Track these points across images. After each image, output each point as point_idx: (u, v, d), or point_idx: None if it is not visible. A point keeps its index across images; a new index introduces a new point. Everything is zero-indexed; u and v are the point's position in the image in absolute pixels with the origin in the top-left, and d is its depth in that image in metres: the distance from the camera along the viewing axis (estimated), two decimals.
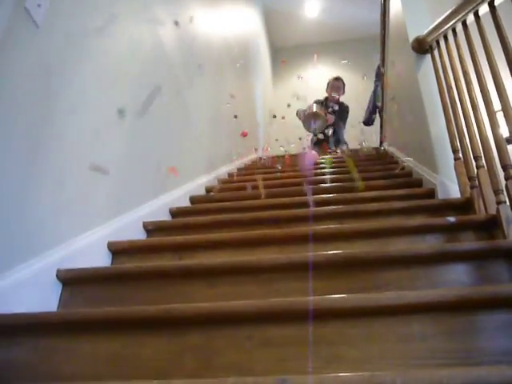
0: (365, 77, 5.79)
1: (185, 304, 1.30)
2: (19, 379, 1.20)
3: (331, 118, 5.65)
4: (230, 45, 4.93)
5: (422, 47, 2.80)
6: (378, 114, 5.43)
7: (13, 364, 1.23)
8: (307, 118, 5.29)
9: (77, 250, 1.66)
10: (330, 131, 5.41)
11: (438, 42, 2.57)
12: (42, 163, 1.51)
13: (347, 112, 6.13)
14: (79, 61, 1.72)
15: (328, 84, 6.26)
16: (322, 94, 6.19)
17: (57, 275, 1.55)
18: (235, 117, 4.48)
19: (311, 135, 5.87)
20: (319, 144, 5.77)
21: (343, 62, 6.45)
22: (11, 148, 1.36)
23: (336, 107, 5.97)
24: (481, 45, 1.92)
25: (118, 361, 1.21)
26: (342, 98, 6.23)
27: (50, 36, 1.53)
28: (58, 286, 1.57)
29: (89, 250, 1.75)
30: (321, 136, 5.65)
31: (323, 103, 5.94)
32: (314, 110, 5.26)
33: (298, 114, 5.76)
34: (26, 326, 1.30)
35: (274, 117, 6.41)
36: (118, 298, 1.57)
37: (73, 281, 1.59)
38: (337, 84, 6.21)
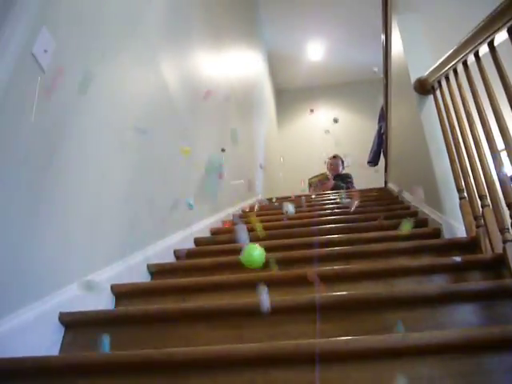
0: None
1: (187, 348, 1.28)
2: None
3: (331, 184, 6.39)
4: (234, 88, 4.99)
5: (424, 88, 2.84)
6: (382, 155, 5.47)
7: None
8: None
9: (80, 293, 1.65)
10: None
11: (439, 83, 2.60)
12: (46, 210, 1.51)
13: (347, 177, 6.68)
14: (82, 108, 1.75)
15: (327, 164, 6.83)
16: (324, 134, 6.45)
17: (59, 318, 1.53)
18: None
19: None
20: None
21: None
22: (14, 199, 1.36)
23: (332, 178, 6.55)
24: (482, 84, 1.94)
25: None
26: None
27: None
28: (61, 329, 1.55)
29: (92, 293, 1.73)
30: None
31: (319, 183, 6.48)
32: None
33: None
34: (27, 370, 1.28)
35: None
36: (120, 341, 1.55)
37: (75, 324, 1.57)
38: (334, 162, 6.84)
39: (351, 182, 6.61)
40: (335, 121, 6.74)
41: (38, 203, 1.47)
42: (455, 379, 1.10)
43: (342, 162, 6.88)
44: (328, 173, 6.63)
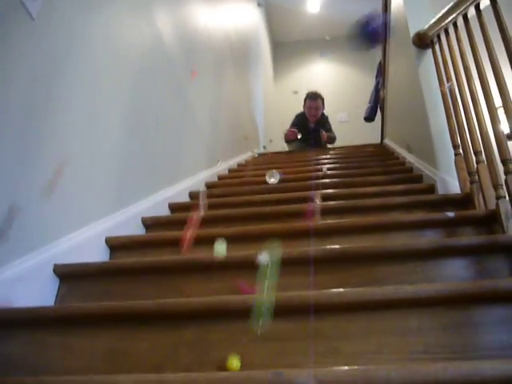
0: None
1: (181, 298, 1.30)
2: (15, 372, 1.20)
3: (296, 134, 5.69)
4: (231, 40, 4.91)
5: (423, 42, 2.79)
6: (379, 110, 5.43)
7: (9, 357, 1.23)
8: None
9: (74, 245, 1.66)
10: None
11: (438, 37, 2.56)
12: (38, 159, 1.50)
13: (327, 122, 5.96)
14: (77, 56, 1.72)
15: (304, 101, 5.90)
16: (321, 87, 6.11)
17: (54, 270, 1.54)
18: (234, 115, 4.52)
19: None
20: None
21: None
22: (4, 147, 1.35)
23: (312, 125, 5.84)
24: (482, 38, 1.91)
25: (113, 355, 1.20)
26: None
27: (47, 29, 1.52)
28: (56, 281, 1.57)
29: (87, 245, 1.74)
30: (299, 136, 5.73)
31: (300, 125, 5.87)
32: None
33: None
34: (22, 320, 1.30)
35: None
36: (115, 293, 1.57)
37: (70, 276, 1.58)
38: (314, 105, 5.79)
39: (328, 124, 5.95)
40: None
41: (30, 151, 1.46)
42: (444, 330, 1.12)
43: (323, 101, 5.84)
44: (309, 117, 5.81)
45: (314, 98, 5.77)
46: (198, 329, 1.21)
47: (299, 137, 5.69)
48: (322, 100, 5.82)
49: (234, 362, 1.08)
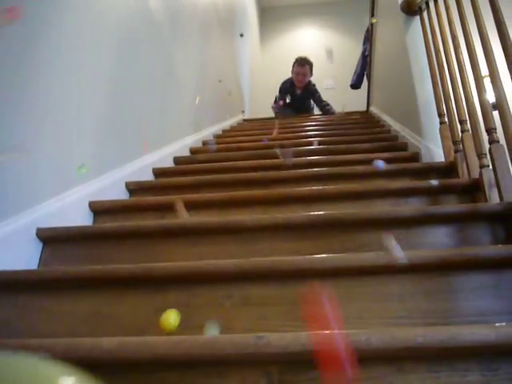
0: None
1: (164, 263, 1.30)
2: None
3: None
4: (216, 4, 4.83)
5: (410, 8, 2.76)
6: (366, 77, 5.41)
7: None
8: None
9: (57, 209, 1.64)
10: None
11: (427, 4, 2.53)
12: (19, 120, 1.47)
13: (315, 91, 5.80)
14: (60, 12, 1.67)
15: (293, 66, 5.76)
16: (307, 53, 6.01)
17: (37, 234, 1.53)
18: (220, 81, 4.45)
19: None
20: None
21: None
22: None
23: (299, 92, 5.76)
24: (470, 6, 1.89)
25: (96, 319, 1.21)
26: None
27: None
28: (39, 245, 1.55)
29: (70, 209, 1.73)
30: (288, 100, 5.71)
31: (287, 92, 5.80)
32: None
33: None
34: (5, 284, 1.29)
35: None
36: (99, 258, 1.56)
37: (53, 239, 1.57)
38: (302, 71, 5.64)
39: (317, 93, 5.81)
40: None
41: (11, 114, 1.43)
42: (425, 296, 1.14)
43: (311, 67, 5.70)
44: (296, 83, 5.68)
45: (302, 64, 5.64)
46: (181, 293, 1.22)
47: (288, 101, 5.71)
48: (311, 66, 5.70)
49: (172, 317, 1.06)
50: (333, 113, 5.63)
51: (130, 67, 2.34)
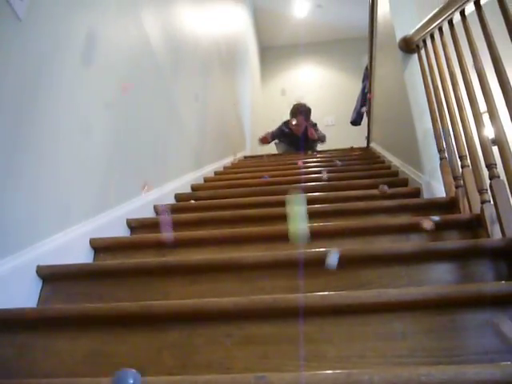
0: None
1: (165, 301, 1.29)
2: None
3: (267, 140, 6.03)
4: (218, 43, 4.91)
5: (408, 47, 2.81)
6: (365, 114, 5.46)
7: None
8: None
9: (58, 246, 1.63)
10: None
11: (424, 42, 2.57)
12: (21, 161, 1.47)
13: (314, 125, 5.98)
14: (64, 55, 1.70)
15: (291, 113, 5.88)
16: (308, 91, 6.12)
17: (37, 271, 1.52)
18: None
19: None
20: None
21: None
22: None
23: (299, 134, 5.87)
24: (467, 44, 1.92)
25: (96, 358, 1.19)
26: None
27: (33, 30, 1.50)
28: (39, 283, 1.54)
29: (70, 246, 1.72)
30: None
31: (287, 132, 5.95)
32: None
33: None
34: (4, 322, 1.28)
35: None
36: (99, 295, 1.55)
37: (53, 277, 1.56)
38: (296, 124, 5.75)
39: (318, 129, 5.96)
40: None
41: (13, 154, 1.43)
42: (428, 334, 1.12)
43: (307, 113, 5.81)
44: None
45: (295, 115, 5.78)
46: (182, 332, 1.20)
47: (270, 141, 6.05)
48: (306, 112, 5.80)
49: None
50: (323, 135, 5.89)
51: (132, 106, 2.36)
